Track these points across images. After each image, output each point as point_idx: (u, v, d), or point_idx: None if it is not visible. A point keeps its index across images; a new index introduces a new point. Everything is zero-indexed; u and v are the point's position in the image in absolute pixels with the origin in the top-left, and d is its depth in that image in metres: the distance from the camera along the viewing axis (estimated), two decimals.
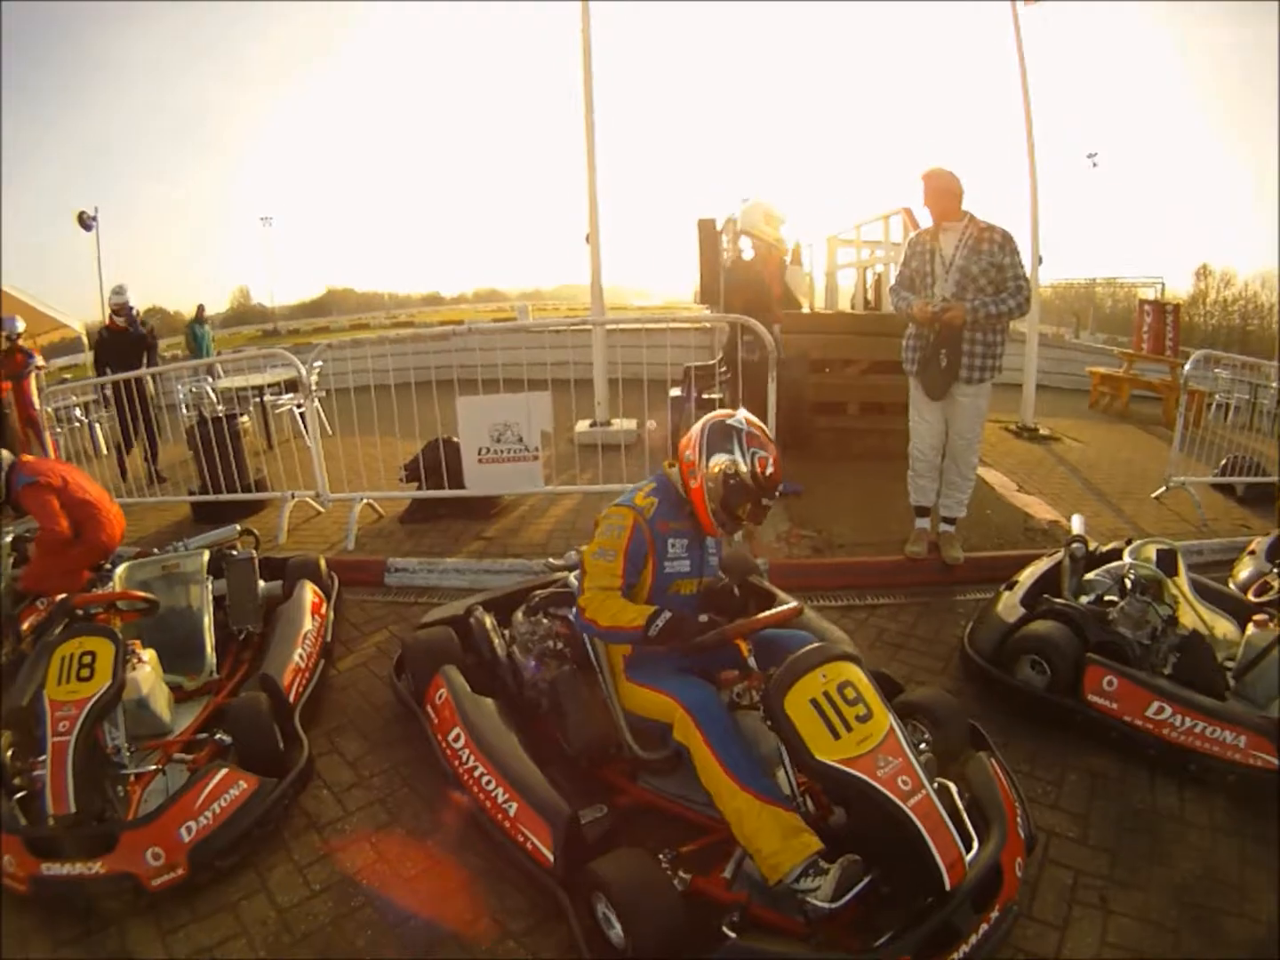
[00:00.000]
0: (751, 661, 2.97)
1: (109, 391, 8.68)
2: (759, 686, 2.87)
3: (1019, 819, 2.92)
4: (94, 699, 3.40)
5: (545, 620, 3.79)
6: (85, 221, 16.59)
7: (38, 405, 8.70)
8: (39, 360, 9.76)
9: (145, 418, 8.78)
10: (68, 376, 18.39)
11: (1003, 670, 4.09)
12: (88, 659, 3.52)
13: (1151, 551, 4.44)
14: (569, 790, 3.09)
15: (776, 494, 3.26)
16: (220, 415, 7.37)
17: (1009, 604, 4.40)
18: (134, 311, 9.23)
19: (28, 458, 5.54)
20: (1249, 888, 2.99)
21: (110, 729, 3.52)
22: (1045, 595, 4.37)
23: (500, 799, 3.13)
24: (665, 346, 7.33)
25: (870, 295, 11.34)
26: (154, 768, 3.59)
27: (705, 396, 8.16)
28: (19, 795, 3.34)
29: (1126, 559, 4.40)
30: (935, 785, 2.70)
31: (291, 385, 10.02)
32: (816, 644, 2.96)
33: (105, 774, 3.42)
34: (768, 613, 3.15)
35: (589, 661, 3.38)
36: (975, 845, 2.66)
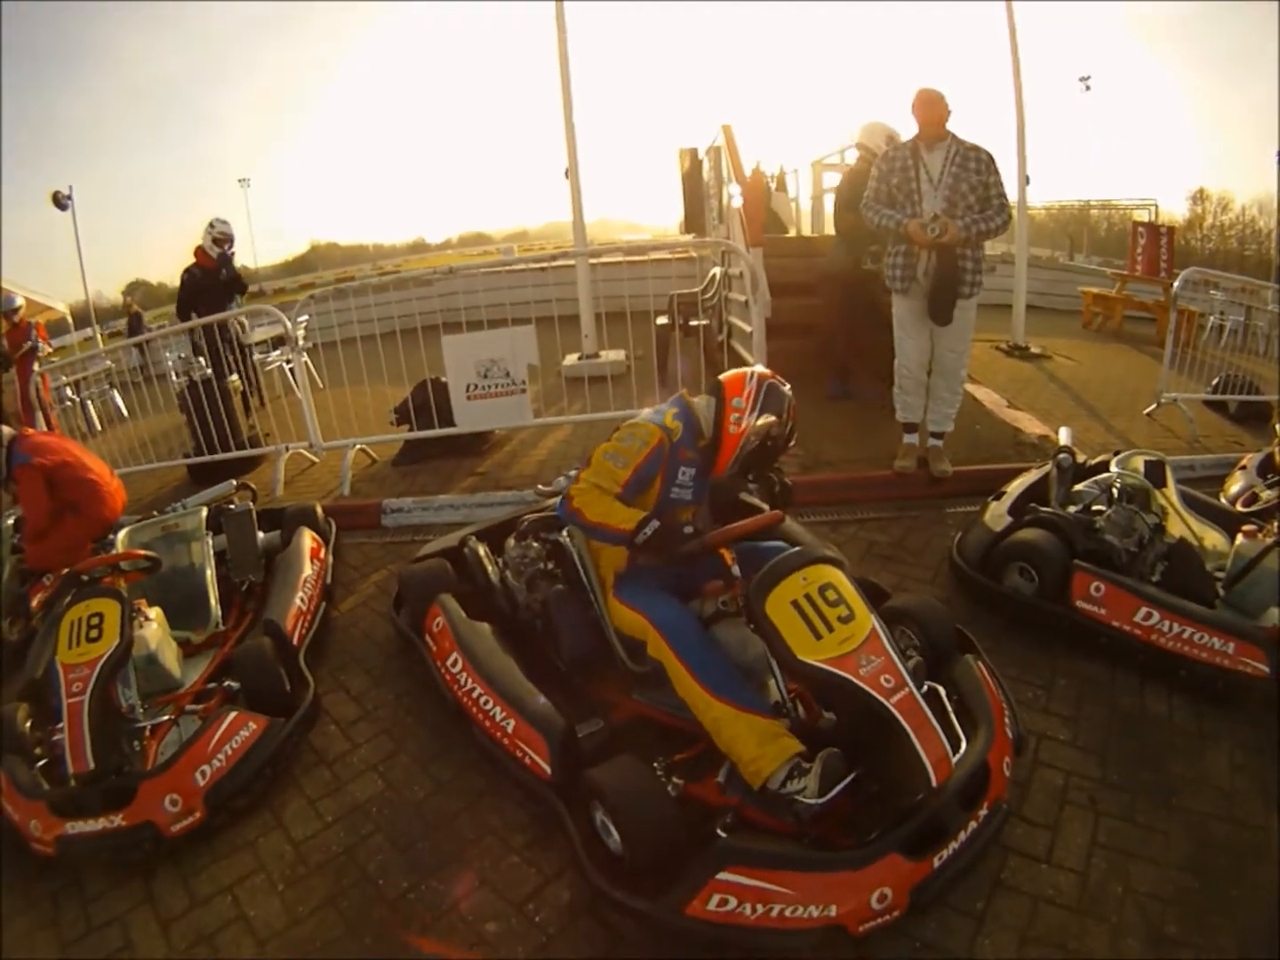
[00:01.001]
0: (736, 570, 3.03)
1: (199, 339, 8.14)
2: (742, 594, 2.93)
3: (1006, 719, 2.99)
4: (104, 657, 3.46)
5: (535, 544, 3.86)
6: (60, 201, 16.50)
7: (33, 394, 8.71)
8: (43, 346, 9.91)
9: (243, 364, 8.71)
10: (54, 359, 18.42)
11: (991, 578, 4.14)
12: (95, 620, 3.58)
13: (1139, 462, 4.50)
14: (566, 707, 3.16)
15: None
16: (198, 381, 7.35)
17: (996, 513, 4.45)
18: (231, 251, 8.95)
19: (29, 432, 5.59)
20: (1237, 793, 3.05)
21: (123, 688, 3.58)
22: (1032, 505, 4.41)
23: (498, 717, 3.21)
24: (648, 278, 7.35)
25: None
26: (167, 718, 3.66)
27: (691, 324, 8.17)
28: (40, 763, 3.41)
29: (1114, 469, 4.45)
30: (924, 689, 2.77)
31: (279, 342, 10.06)
32: (797, 549, 3.02)
33: (121, 730, 3.49)
34: (747, 520, 3.18)
35: (579, 580, 3.45)
36: (963, 745, 2.73)
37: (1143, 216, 18.92)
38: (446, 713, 3.59)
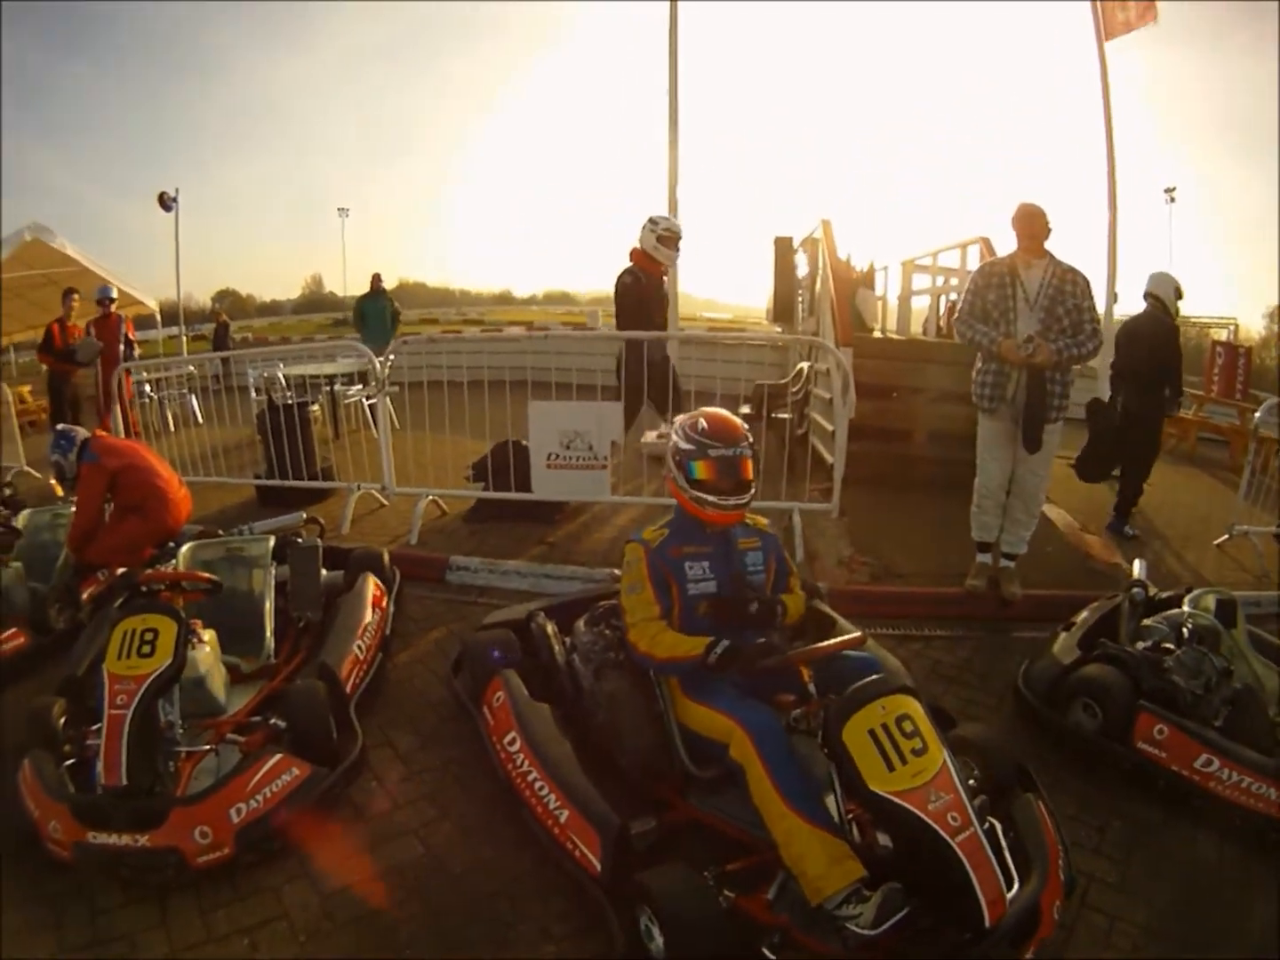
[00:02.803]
0: (811, 687, 2.97)
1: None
2: (817, 713, 2.85)
3: (1061, 862, 2.89)
4: (154, 675, 3.42)
5: (608, 632, 3.80)
6: (165, 202, 16.65)
7: (115, 387, 8.67)
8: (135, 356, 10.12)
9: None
10: (140, 353, 18.73)
11: (1056, 711, 4.05)
12: (150, 636, 3.53)
13: (1211, 601, 4.36)
14: (620, 801, 3.09)
15: (731, 443, 3.35)
16: (291, 402, 7.47)
17: (1066, 645, 4.34)
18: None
19: (102, 434, 5.68)
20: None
21: (165, 705, 3.54)
22: (1102, 639, 4.29)
23: (552, 805, 3.15)
24: (740, 362, 7.36)
25: (943, 322, 11.24)
26: (206, 747, 3.62)
27: (776, 416, 8.14)
28: (68, 763, 3.43)
29: (1186, 607, 4.33)
30: (986, 826, 2.69)
31: (361, 376, 10.13)
32: (877, 675, 2.94)
33: (158, 749, 3.44)
34: (832, 641, 3.14)
35: (647, 676, 3.37)
36: (1016, 884, 2.64)
37: (1221, 335, 18.60)
38: (495, 787, 3.53)
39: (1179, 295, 7.47)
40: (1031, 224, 5.07)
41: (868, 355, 8.16)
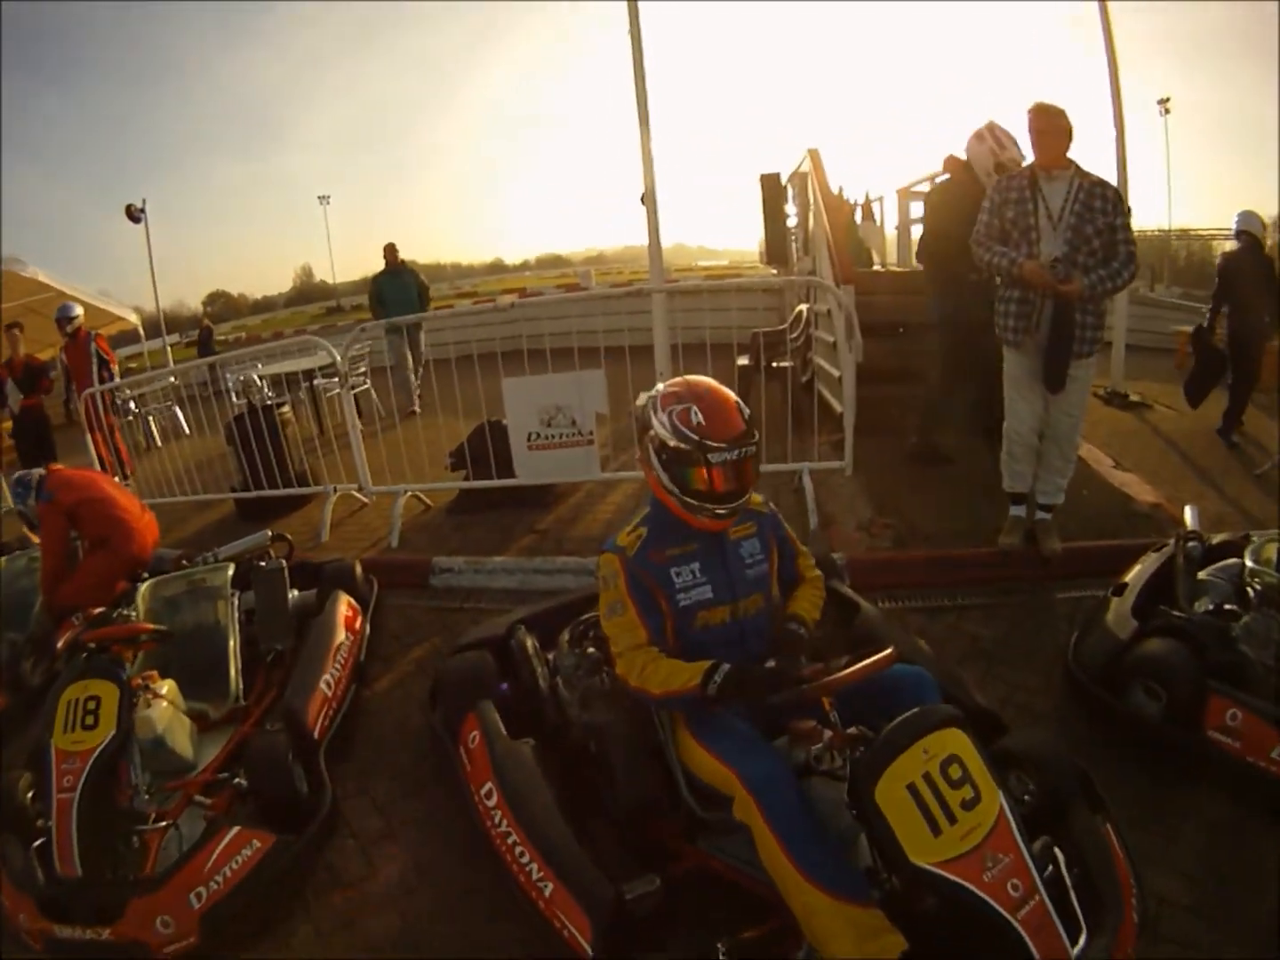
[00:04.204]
0: (834, 714, 2.47)
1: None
2: (842, 748, 2.36)
3: (1135, 903, 2.42)
4: (99, 750, 3.20)
5: (592, 650, 3.32)
6: (133, 214, 16.50)
7: (81, 409, 8.34)
8: (115, 372, 9.65)
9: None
10: (133, 366, 18.56)
11: (1112, 695, 3.52)
12: (92, 705, 3.32)
13: (1274, 552, 3.74)
14: (614, 854, 2.72)
15: (734, 445, 2.65)
16: (257, 406, 7.08)
17: (1120, 616, 3.78)
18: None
19: (57, 468, 5.36)
20: None
21: (131, 770, 3.33)
22: (1161, 607, 3.75)
23: (534, 875, 2.68)
24: (731, 309, 6.97)
25: None
26: (164, 824, 3.27)
27: (776, 365, 7.62)
28: (39, 842, 3.11)
29: (1248, 560, 3.71)
30: (1049, 872, 2.23)
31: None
32: (917, 710, 2.36)
33: (117, 828, 3.20)
34: (857, 666, 2.51)
35: (642, 705, 2.87)
36: (1084, 936, 2.17)
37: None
38: (480, 843, 3.05)
39: (1264, 227, 7.72)
40: (1050, 124, 4.47)
41: (872, 291, 7.68)
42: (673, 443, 2.69)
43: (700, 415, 2.67)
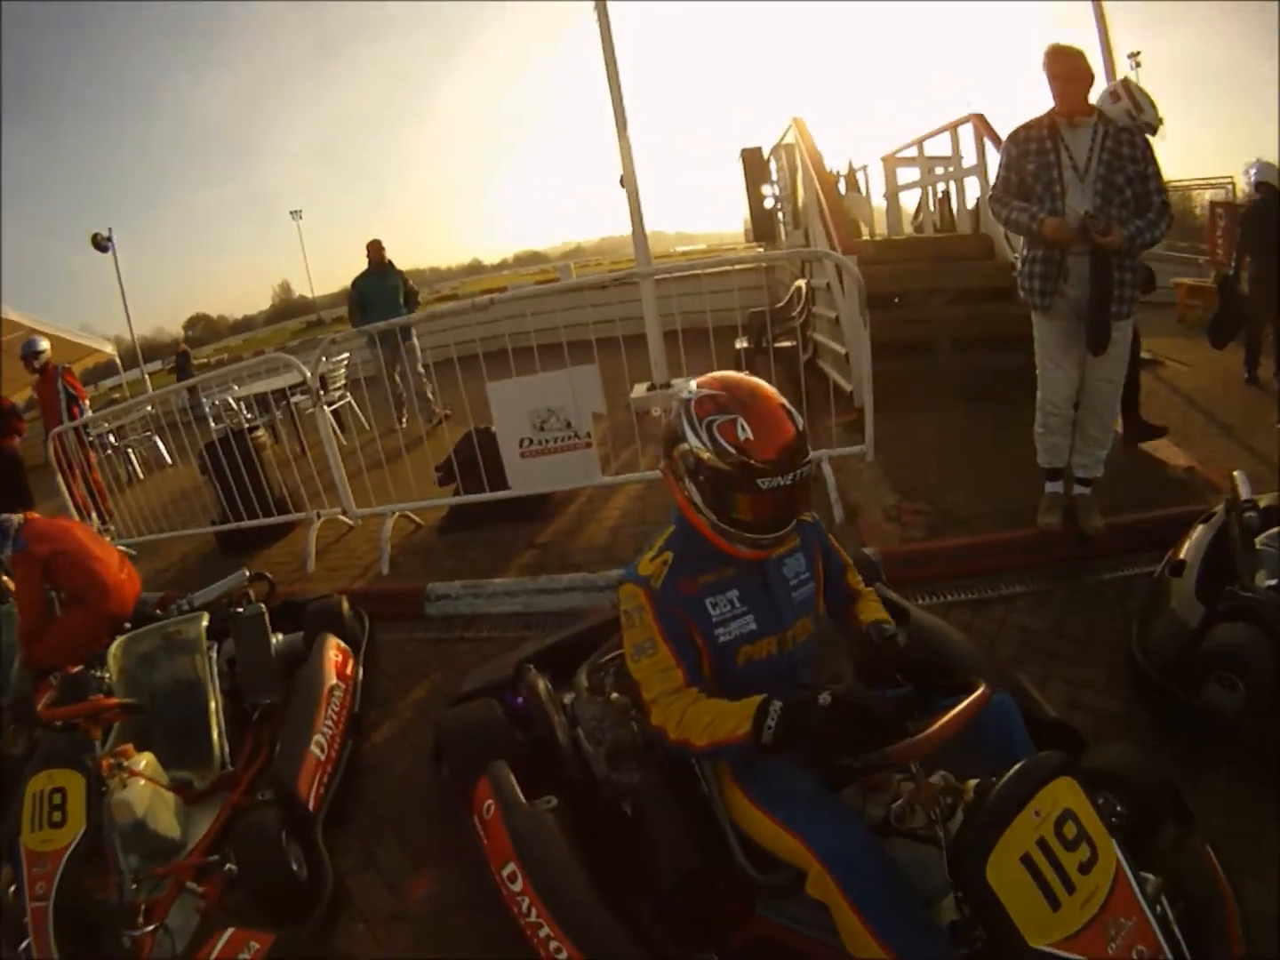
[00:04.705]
0: (917, 768, 2.05)
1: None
2: (929, 803, 1.97)
3: (1239, 929, 2.14)
4: (69, 849, 2.97)
5: (616, 696, 2.88)
6: (100, 243, 16.49)
7: (52, 451, 7.91)
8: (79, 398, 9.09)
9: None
10: (116, 397, 18.35)
11: (1185, 689, 3.16)
12: (58, 798, 3.06)
13: None
14: (661, 930, 2.34)
15: (788, 468, 2.16)
16: (230, 433, 6.73)
17: (1183, 599, 3.45)
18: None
19: (34, 517, 5.03)
20: None
21: (118, 860, 3.04)
22: (1228, 588, 3.38)
23: None
24: (724, 291, 6.79)
25: (937, 218, 10.40)
26: (150, 928, 2.93)
27: (778, 346, 7.25)
28: (24, 944, 2.87)
29: None
30: (1159, 911, 1.88)
31: (321, 382, 9.25)
32: (1022, 764, 1.94)
33: (101, 928, 2.90)
34: (949, 717, 2.00)
35: (681, 759, 2.47)
36: None
37: (1218, 196, 17.57)
38: (502, 920, 2.61)
39: None
40: (1071, 68, 4.10)
41: (868, 261, 7.30)
42: (714, 463, 2.20)
43: (749, 430, 2.16)
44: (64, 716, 3.48)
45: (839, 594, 2.64)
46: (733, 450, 2.14)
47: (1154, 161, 4.11)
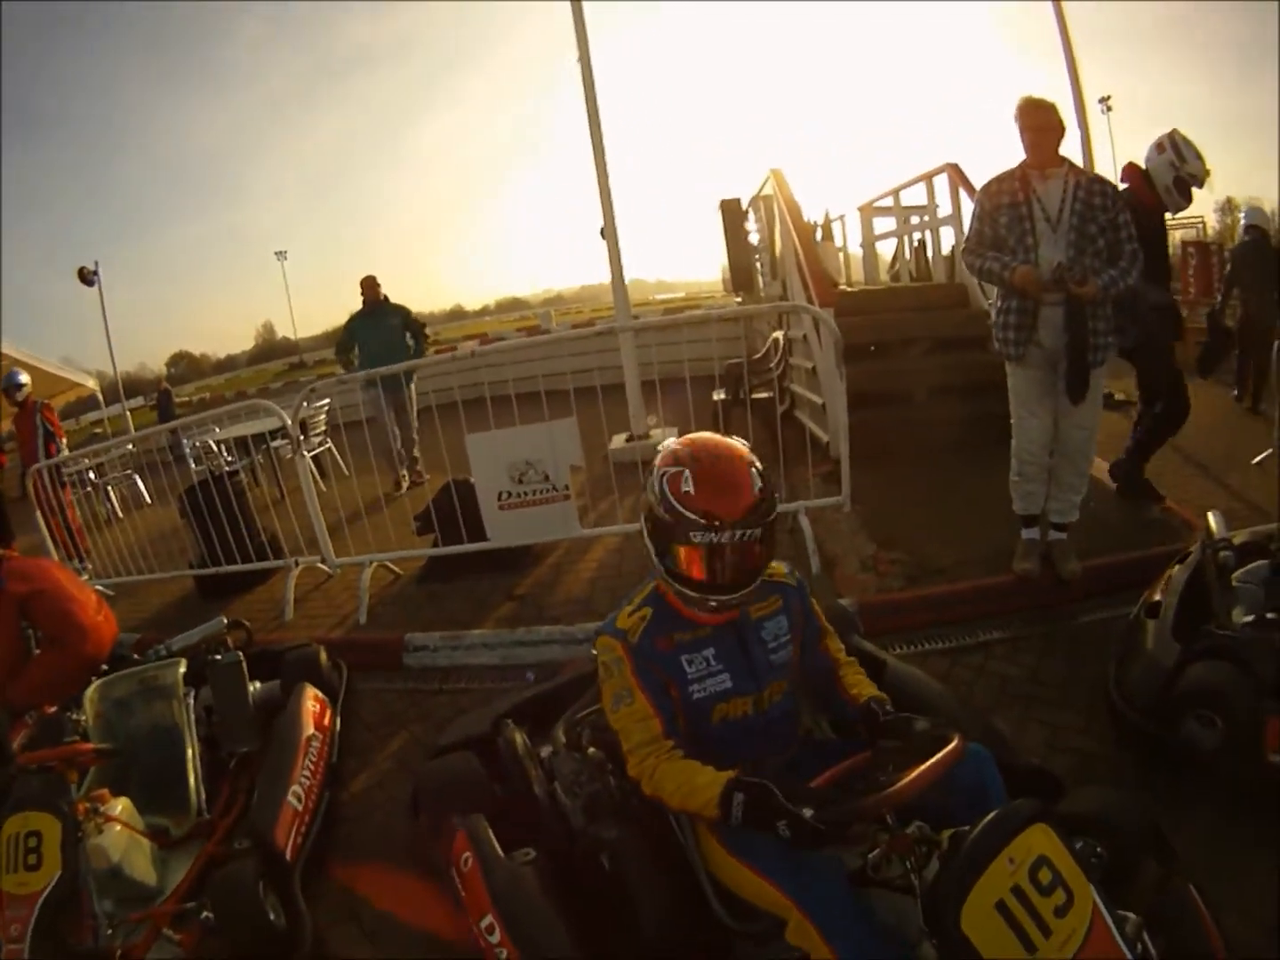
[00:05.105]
0: (891, 819, 2.08)
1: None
2: (905, 853, 1.99)
3: None
4: (45, 892, 2.94)
5: (593, 751, 2.88)
6: (86, 277, 16.53)
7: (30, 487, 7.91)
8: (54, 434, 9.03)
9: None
10: (97, 432, 18.28)
11: (1163, 728, 3.22)
12: (33, 842, 3.04)
13: None
14: None
15: (728, 525, 2.18)
16: (210, 475, 6.80)
17: (1160, 639, 3.49)
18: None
19: (12, 555, 5.00)
20: None
21: (92, 904, 3.03)
22: (1205, 627, 3.42)
23: None
24: (702, 340, 6.86)
25: (913, 266, 10.55)
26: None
27: (755, 397, 7.31)
28: None
29: None
30: (1139, 951, 1.91)
31: (303, 426, 9.22)
32: (996, 814, 1.97)
33: None
34: (921, 770, 2.04)
35: (658, 809, 2.45)
36: None
37: (1189, 235, 17.88)
38: None
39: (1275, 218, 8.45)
40: (1043, 120, 4.21)
41: (844, 313, 7.39)
42: (658, 513, 2.27)
43: (692, 483, 2.22)
44: (40, 760, 3.46)
45: (818, 661, 2.64)
46: (674, 501, 2.22)
47: (1125, 210, 4.20)
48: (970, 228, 4.50)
